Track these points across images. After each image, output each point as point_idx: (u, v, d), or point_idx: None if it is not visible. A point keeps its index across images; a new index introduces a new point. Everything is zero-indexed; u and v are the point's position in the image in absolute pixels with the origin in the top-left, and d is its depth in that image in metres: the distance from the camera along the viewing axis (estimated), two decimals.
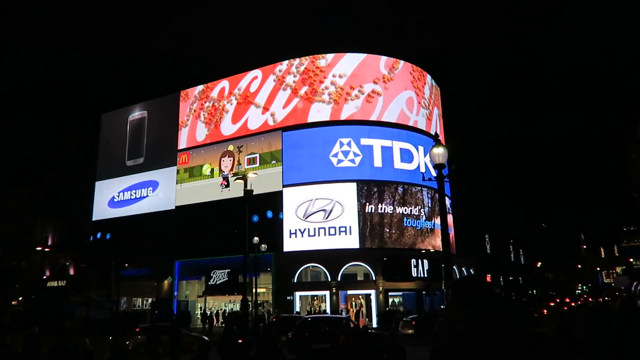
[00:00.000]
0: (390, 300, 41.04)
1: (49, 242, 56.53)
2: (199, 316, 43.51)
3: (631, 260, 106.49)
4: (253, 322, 31.00)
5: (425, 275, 39.62)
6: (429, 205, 43.11)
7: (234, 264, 37.13)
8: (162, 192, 48.77)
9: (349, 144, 41.26)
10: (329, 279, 39.05)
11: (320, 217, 40.11)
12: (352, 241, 39.36)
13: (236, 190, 38.66)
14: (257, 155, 43.80)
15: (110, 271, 44.95)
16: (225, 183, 44.49)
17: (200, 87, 49.88)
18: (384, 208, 40.63)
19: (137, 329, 24.26)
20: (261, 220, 40.09)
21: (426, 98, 46.89)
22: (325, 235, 39.66)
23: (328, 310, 38.43)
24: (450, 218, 44.76)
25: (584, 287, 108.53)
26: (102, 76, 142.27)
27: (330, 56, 44.25)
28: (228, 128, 46.46)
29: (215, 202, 44.08)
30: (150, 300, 47.93)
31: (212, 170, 46.16)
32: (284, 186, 41.59)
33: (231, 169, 44.66)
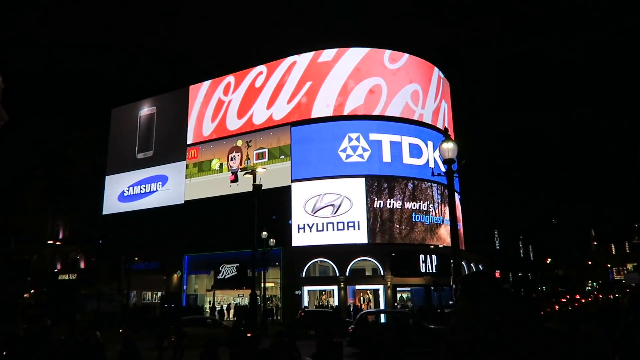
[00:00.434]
0: (399, 295, 41.02)
1: (60, 236, 57.12)
2: (207, 310, 43.83)
3: None
4: (262, 316, 31.21)
5: (434, 271, 39.51)
6: (438, 200, 42.96)
7: (243, 258, 37.30)
8: (172, 186, 49.05)
9: (357, 139, 41.18)
10: (337, 274, 39.12)
11: (328, 212, 40.13)
12: (360, 236, 39.36)
13: (245, 185, 38.77)
14: (266, 150, 43.88)
15: (120, 265, 45.33)
16: (234, 178, 44.64)
17: (208, 83, 49.96)
18: (393, 203, 40.56)
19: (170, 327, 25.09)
20: (270, 215, 40.18)
21: (432, 91, 46.46)
22: (333, 230, 39.70)
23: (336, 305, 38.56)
24: (459, 213, 44.59)
25: (595, 283, 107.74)
26: (112, 71, 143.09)
27: (333, 51, 44.11)
28: (235, 123, 46.54)
29: (224, 197, 44.27)
30: (159, 294, 48.34)
31: (221, 165, 46.33)
32: (292, 181, 41.64)
33: (240, 164, 44.80)
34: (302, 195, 40.97)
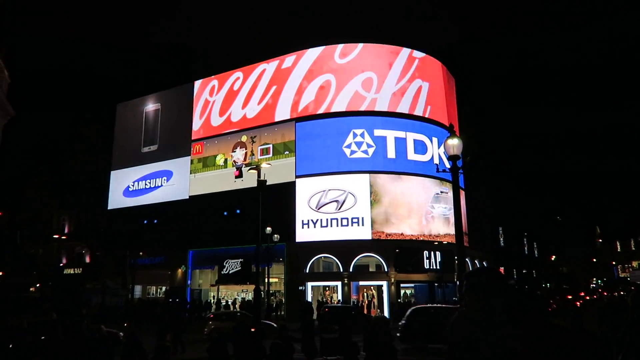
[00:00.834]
0: (402, 291, 41.04)
1: (66, 230, 57.43)
2: (213, 305, 44.01)
3: None
4: (265, 312, 31.31)
5: (438, 267, 39.48)
6: (443, 197, 42.82)
7: (247, 253, 37.39)
8: (176, 181, 49.19)
9: (362, 135, 41.14)
10: (341, 270, 39.15)
11: (332, 208, 40.14)
12: (364, 232, 39.36)
13: (249, 180, 38.83)
14: (271, 145, 43.92)
15: (125, 259, 45.55)
16: (238, 173, 44.72)
17: (212, 78, 50.02)
18: (397, 200, 40.48)
19: (211, 315, 26.39)
20: (274, 211, 40.22)
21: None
22: (337, 226, 39.71)
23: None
24: (463, 210, 44.48)
25: (599, 281, 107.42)
26: (117, 66, 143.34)
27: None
28: (240, 119, 46.61)
29: (228, 192, 44.36)
30: (164, 288, 48.57)
31: (225, 161, 46.41)
32: (297, 177, 41.67)
33: (244, 160, 44.86)
34: (307, 191, 40.99)
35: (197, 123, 49.61)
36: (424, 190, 42.01)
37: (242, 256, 39.34)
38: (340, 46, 44.31)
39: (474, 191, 47.54)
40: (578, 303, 43.62)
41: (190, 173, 48.29)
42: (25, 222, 57.41)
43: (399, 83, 43.93)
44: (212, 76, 50.24)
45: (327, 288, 41.27)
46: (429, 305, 25.07)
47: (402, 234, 40.09)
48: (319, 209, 40.40)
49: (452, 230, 41.58)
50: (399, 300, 38.75)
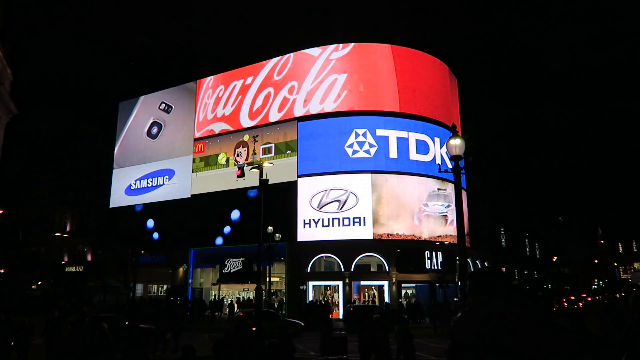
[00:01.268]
0: (403, 291, 41.05)
1: (68, 228, 57.52)
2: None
3: None
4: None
5: (439, 268, 39.48)
6: (450, 200, 42.76)
7: (248, 252, 37.42)
8: (178, 180, 49.24)
9: (364, 135, 41.12)
10: (343, 270, 39.16)
11: (334, 208, 40.15)
12: (366, 232, 39.35)
13: (251, 179, 38.85)
14: (273, 145, 43.93)
15: (126, 258, 45.65)
16: (240, 173, 44.75)
17: (215, 77, 50.04)
18: (399, 199, 40.46)
19: (241, 314, 26.83)
20: (276, 210, 40.25)
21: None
22: (339, 225, 39.72)
23: (341, 301, 38.65)
24: (465, 210, 44.43)
25: (601, 282, 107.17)
26: (120, 64, 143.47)
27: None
28: (242, 118, 46.64)
29: (230, 191, 44.40)
30: (165, 287, 48.64)
31: (227, 160, 46.44)
32: (298, 176, 41.68)
33: (246, 159, 44.88)
34: (308, 191, 41.00)
35: (199, 122, 49.65)
36: (425, 189, 41.92)
37: (244, 255, 39.41)
38: (331, 46, 44.33)
39: (476, 191, 47.50)
40: (580, 304, 43.65)
41: (192, 172, 48.33)
42: (28, 220, 57.51)
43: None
44: (215, 75, 50.23)
45: (328, 288, 41.29)
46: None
47: (403, 234, 40.07)
48: (320, 208, 40.42)
49: (449, 229, 41.61)
50: (400, 301, 38.76)
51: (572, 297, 47.18)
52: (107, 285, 42.02)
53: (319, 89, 43.31)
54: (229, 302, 41.79)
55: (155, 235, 48.26)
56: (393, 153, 41.24)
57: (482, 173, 48.14)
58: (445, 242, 40.57)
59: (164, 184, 50.41)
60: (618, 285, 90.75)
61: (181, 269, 47.00)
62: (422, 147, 42.40)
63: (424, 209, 41.29)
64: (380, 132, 41.34)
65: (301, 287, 39.59)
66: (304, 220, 40.65)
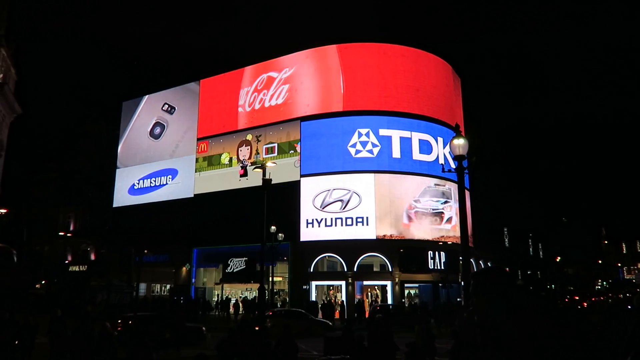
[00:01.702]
0: (406, 291, 40.99)
1: (71, 228, 57.70)
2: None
3: None
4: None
5: (442, 268, 39.42)
6: (447, 196, 42.73)
7: (251, 252, 37.44)
8: (181, 180, 49.32)
9: (367, 135, 41.09)
10: (345, 269, 39.14)
11: (337, 208, 40.13)
12: (368, 232, 39.31)
13: (254, 179, 38.87)
14: (275, 144, 43.94)
15: (130, 257, 45.69)
16: (243, 172, 44.79)
17: (218, 77, 50.10)
18: (402, 199, 40.39)
19: (270, 313, 26.62)
20: (278, 210, 40.25)
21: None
22: (342, 225, 39.69)
23: (344, 300, 38.62)
24: (468, 210, 44.30)
25: (604, 282, 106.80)
26: (123, 64, 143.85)
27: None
28: (246, 118, 46.69)
29: (233, 191, 44.44)
30: (168, 286, 48.70)
31: (230, 159, 46.48)
32: (301, 176, 41.68)
33: (249, 158, 44.91)
34: (311, 190, 41.00)
35: (202, 121, 49.70)
36: (417, 184, 41.34)
37: (247, 255, 39.44)
38: (333, 46, 44.34)
39: (479, 191, 47.40)
40: (585, 304, 43.56)
41: (195, 171, 48.39)
42: (32, 220, 57.69)
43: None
44: (218, 75, 50.29)
45: (331, 287, 41.28)
46: None
47: (391, 235, 39.70)
48: (323, 208, 40.40)
49: (445, 228, 41.25)
50: (403, 301, 38.70)
51: (577, 298, 46.99)
52: (111, 284, 42.03)
53: (320, 89, 43.32)
54: (234, 301, 41.80)
55: (159, 234, 48.28)
56: (396, 153, 41.18)
57: (485, 173, 48.05)
58: (449, 242, 40.52)
59: (167, 183, 50.50)
60: (622, 285, 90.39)
61: (184, 268, 47.06)
62: (425, 147, 42.33)
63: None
64: (383, 131, 41.30)
65: (304, 287, 39.59)
66: (307, 220, 40.65)
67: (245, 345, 9.91)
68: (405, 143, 41.59)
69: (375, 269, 40.85)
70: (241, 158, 45.66)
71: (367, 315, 33.28)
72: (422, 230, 40.61)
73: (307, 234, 40.39)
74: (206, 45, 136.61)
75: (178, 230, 45.53)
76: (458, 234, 40.48)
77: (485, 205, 49.73)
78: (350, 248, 38.96)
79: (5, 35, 28.75)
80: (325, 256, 40.60)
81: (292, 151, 42.87)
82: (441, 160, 40.89)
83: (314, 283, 40.26)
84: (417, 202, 40.73)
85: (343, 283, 39.49)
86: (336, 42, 44.48)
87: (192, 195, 47.70)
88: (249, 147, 45.58)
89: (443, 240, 40.67)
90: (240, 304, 40.26)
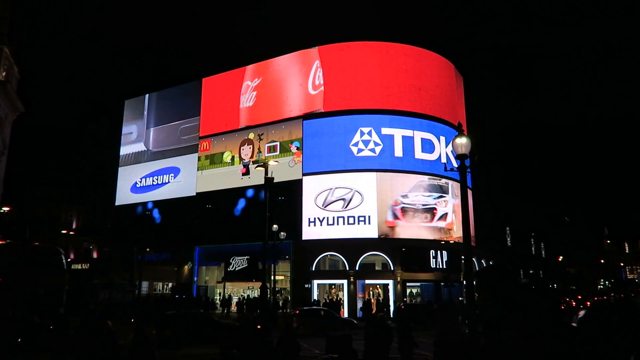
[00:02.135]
0: (408, 290, 40.95)
1: (73, 226, 57.84)
2: (218, 301, 44.13)
3: None
4: (271, 309, 31.38)
5: (444, 267, 39.37)
6: (444, 191, 42.60)
7: (254, 250, 37.48)
8: (184, 178, 49.38)
9: (369, 133, 41.05)
10: (347, 268, 39.13)
11: (339, 206, 40.10)
12: (370, 231, 39.28)
13: (256, 177, 38.90)
14: (278, 143, 43.95)
15: (132, 255, 45.79)
16: (245, 171, 44.81)
17: (220, 75, 50.14)
18: (404, 198, 40.33)
19: (297, 312, 26.81)
20: (280, 208, 40.26)
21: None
22: (344, 224, 39.67)
23: (345, 300, 38.62)
24: (470, 209, 44.22)
25: (607, 282, 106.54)
26: (125, 62, 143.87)
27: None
28: (248, 117, 46.70)
29: (235, 189, 44.47)
30: (170, 284, 48.77)
31: (232, 158, 46.51)
32: (303, 174, 41.67)
33: (251, 157, 44.94)
34: (313, 189, 40.98)
35: (204, 120, 49.75)
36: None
37: (249, 253, 39.46)
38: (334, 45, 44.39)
39: (482, 190, 47.32)
40: (588, 303, 43.52)
41: (198, 170, 48.44)
42: (34, 218, 57.79)
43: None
44: (220, 73, 50.33)
45: (333, 286, 41.28)
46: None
47: (390, 234, 39.69)
48: (325, 207, 40.38)
49: (438, 225, 40.86)
50: (405, 300, 38.68)
51: (580, 297, 47.00)
52: (113, 282, 42.10)
53: (322, 88, 43.29)
54: (237, 299, 41.84)
55: (161, 233, 48.40)
56: (398, 152, 41.13)
57: (487, 172, 47.97)
58: (451, 242, 40.47)
59: (169, 181, 50.57)
60: (624, 285, 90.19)
61: (186, 266, 47.13)
62: (428, 146, 42.27)
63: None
64: (385, 130, 41.25)
65: (306, 286, 39.60)
66: (309, 219, 40.65)
67: (246, 343, 9.89)
68: (408, 142, 41.53)
69: (377, 268, 40.83)
70: (243, 157, 45.70)
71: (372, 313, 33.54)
72: (409, 229, 39.52)
73: (309, 232, 40.38)
74: (209, 44, 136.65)
75: (180, 229, 45.61)
76: (453, 232, 40.56)
77: (487, 205, 49.65)
78: (352, 247, 38.94)
79: (8, 33, 28.80)
80: (327, 255, 40.59)
81: (295, 150, 42.92)
82: (443, 159, 40.84)
83: (315, 282, 40.27)
84: (404, 198, 39.94)
85: (345, 282, 39.48)
86: (337, 42, 44.46)
87: (194, 194, 47.75)
88: (251, 145, 45.60)
89: (445, 239, 40.61)
90: (245, 304, 40.34)
